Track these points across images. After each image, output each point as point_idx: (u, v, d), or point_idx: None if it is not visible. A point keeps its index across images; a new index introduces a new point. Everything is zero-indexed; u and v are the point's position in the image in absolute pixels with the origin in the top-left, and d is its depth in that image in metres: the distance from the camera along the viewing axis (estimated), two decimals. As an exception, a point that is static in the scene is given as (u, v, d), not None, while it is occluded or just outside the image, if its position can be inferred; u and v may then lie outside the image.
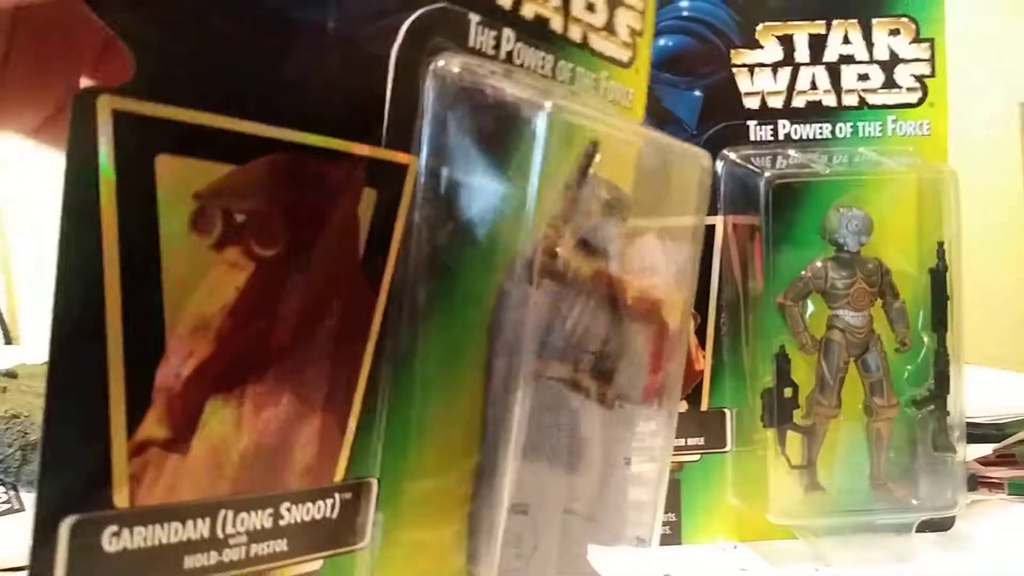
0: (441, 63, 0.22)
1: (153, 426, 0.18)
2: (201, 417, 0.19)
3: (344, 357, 0.21)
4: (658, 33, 0.40)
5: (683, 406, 0.41)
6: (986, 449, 0.50)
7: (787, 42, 0.41)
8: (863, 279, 0.41)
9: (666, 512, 0.41)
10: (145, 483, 0.18)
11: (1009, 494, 0.46)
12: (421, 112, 0.22)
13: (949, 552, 0.41)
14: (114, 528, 0.17)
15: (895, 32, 0.42)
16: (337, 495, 0.22)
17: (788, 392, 0.41)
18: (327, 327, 0.21)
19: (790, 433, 0.41)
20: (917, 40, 0.42)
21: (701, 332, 0.41)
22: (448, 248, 0.23)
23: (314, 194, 0.20)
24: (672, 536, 0.41)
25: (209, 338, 0.19)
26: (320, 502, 0.21)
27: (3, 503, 0.41)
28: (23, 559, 0.37)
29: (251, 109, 0.19)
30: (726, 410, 0.42)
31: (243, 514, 0.20)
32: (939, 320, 0.42)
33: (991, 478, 0.47)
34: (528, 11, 0.25)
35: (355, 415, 0.22)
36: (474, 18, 0.23)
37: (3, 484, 0.43)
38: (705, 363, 0.41)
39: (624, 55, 0.29)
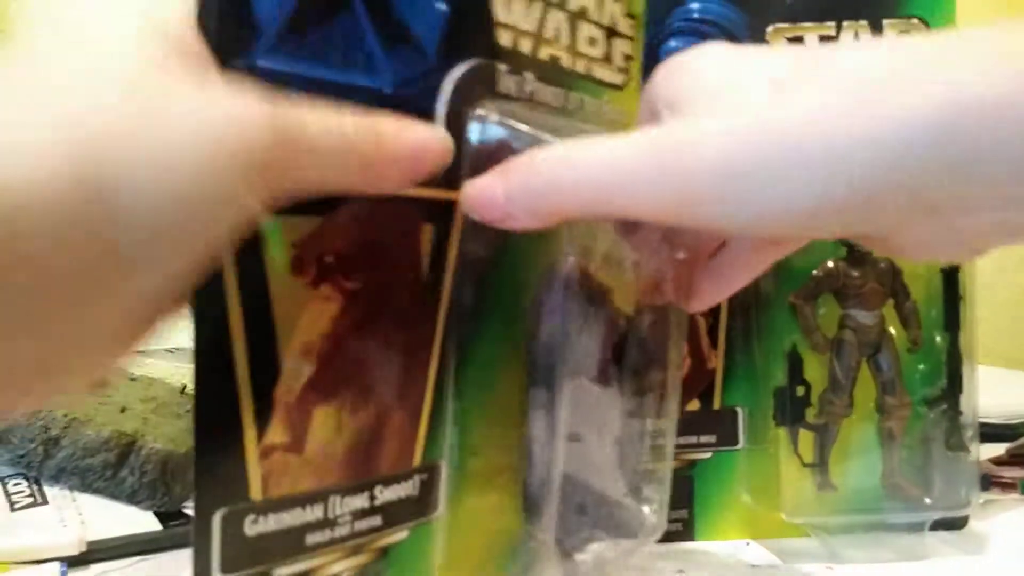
0: (480, 111, 0.26)
1: (276, 433, 0.22)
2: (311, 423, 0.23)
3: (415, 363, 0.25)
4: (669, 35, 0.41)
5: (695, 404, 0.41)
6: (999, 449, 0.50)
7: (798, 43, 0.42)
8: (875, 279, 0.41)
9: (679, 509, 0.41)
10: (273, 480, 0.22)
11: (1022, 494, 0.46)
12: (466, 153, 0.25)
13: (962, 551, 0.41)
14: (253, 516, 0.22)
15: (906, 33, 0.42)
16: (416, 476, 0.26)
17: (800, 391, 0.41)
18: (401, 340, 0.25)
19: (802, 431, 0.41)
20: (928, 41, 0.42)
21: (713, 331, 0.42)
22: (491, 266, 0.27)
23: (386, 234, 0.24)
24: (685, 533, 0.42)
25: (312, 359, 0.23)
26: (405, 483, 0.26)
27: (26, 496, 0.42)
28: (47, 551, 0.38)
29: None
30: (738, 408, 0.42)
31: (348, 498, 0.24)
32: (951, 320, 0.42)
33: (1004, 478, 0.47)
34: (544, 54, 0.28)
35: (426, 410, 0.26)
36: (502, 67, 0.27)
37: (26, 479, 0.44)
38: (717, 362, 0.42)
39: (619, 79, 0.32)
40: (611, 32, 0.31)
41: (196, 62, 0.19)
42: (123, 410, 0.46)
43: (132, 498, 0.43)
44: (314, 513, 0.23)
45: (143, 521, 0.41)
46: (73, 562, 0.37)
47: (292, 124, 0.19)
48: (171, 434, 0.45)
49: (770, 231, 0.22)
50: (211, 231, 0.19)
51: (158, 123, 0.17)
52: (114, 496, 0.43)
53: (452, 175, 0.25)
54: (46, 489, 0.43)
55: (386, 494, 0.25)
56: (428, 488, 0.26)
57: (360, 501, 0.24)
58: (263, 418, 0.22)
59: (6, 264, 0.15)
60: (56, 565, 0.36)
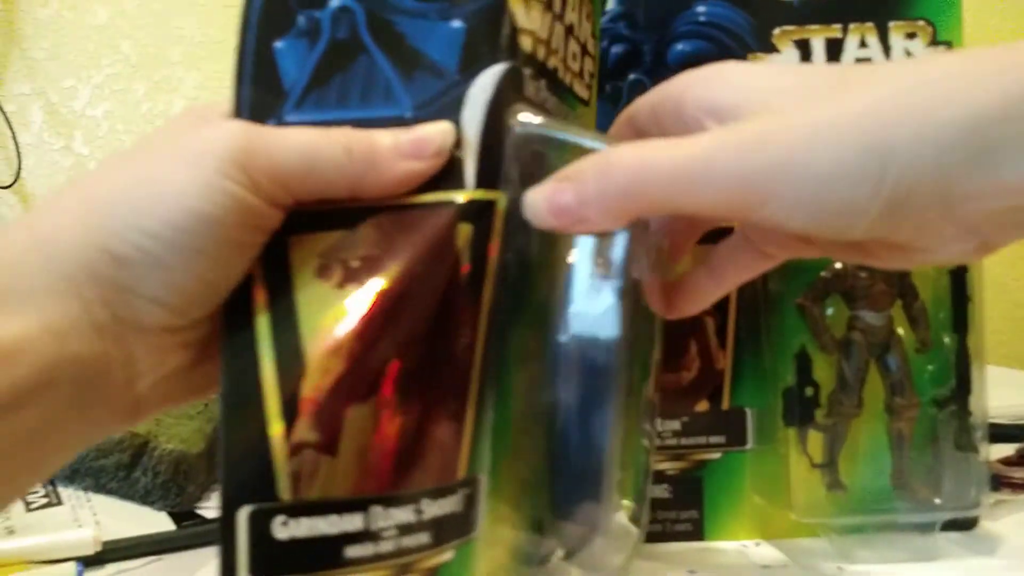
0: (522, 116, 0.25)
1: (304, 431, 0.21)
2: (343, 423, 0.22)
3: (457, 368, 0.24)
4: (676, 38, 0.41)
5: (704, 405, 0.42)
6: (1009, 449, 0.50)
7: (804, 46, 0.42)
8: (883, 280, 0.41)
9: (689, 509, 0.41)
10: (304, 480, 0.21)
11: (1033, 494, 0.46)
12: (506, 155, 0.25)
13: (973, 552, 0.41)
14: (282, 518, 0.21)
15: (912, 35, 0.42)
16: (461, 490, 0.24)
17: (809, 391, 0.41)
18: (441, 344, 0.24)
19: (812, 432, 0.41)
20: (934, 43, 0.42)
21: (721, 332, 0.42)
22: (525, 266, 0.26)
23: (413, 237, 0.24)
24: (695, 533, 0.42)
25: (342, 357, 0.22)
26: (451, 497, 0.24)
27: (42, 497, 0.43)
28: (64, 550, 0.38)
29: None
30: (747, 409, 0.42)
31: (392, 509, 0.22)
32: (959, 320, 0.42)
33: (1014, 478, 0.47)
34: (551, 63, 0.28)
35: (470, 418, 0.24)
36: (527, 72, 0.26)
37: (41, 480, 0.44)
38: (726, 362, 0.42)
39: (587, 95, 0.33)
40: (584, 50, 0.32)
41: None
42: (137, 412, 0.46)
43: (145, 499, 0.43)
44: (353, 523, 0.22)
45: (157, 521, 0.42)
46: (89, 561, 0.37)
47: (265, 128, 0.23)
48: (184, 435, 0.45)
49: (820, 230, 0.23)
50: (215, 221, 0.22)
51: (149, 159, 0.23)
52: (128, 496, 0.44)
53: (492, 174, 0.25)
54: (61, 490, 0.44)
55: (433, 508, 0.23)
56: (471, 504, 0.25)
57: (406, 514, 0.23)
58: (290, 412, 0.21)
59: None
60: (73, 564, 0.37)
